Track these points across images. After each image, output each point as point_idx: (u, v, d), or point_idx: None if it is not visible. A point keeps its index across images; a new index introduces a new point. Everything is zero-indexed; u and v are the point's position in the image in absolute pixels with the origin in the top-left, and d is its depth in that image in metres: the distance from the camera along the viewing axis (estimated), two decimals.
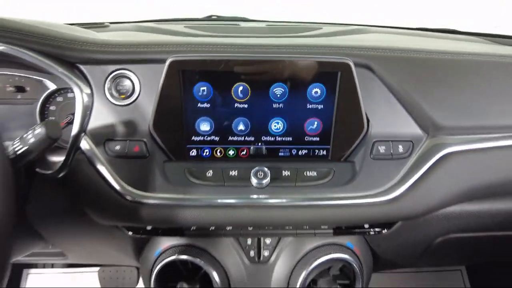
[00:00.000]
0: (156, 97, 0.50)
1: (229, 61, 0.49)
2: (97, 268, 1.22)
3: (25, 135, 0.45)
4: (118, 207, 0.49)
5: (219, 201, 0.49)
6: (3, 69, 0.65)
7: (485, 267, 1.27)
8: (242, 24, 0.95)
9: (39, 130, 0.44)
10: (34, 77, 0.65)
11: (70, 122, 0.66)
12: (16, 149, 0.46)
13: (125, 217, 0.50)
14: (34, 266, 1.27)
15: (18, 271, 1.26)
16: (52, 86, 0.65)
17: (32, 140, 0.44)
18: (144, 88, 0.52)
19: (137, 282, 1.19)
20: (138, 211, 0.49)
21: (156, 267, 0.56)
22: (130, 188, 0.49)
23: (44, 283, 1.25)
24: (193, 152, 0.53)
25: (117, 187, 0.49)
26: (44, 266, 1.27)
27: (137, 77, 0.52)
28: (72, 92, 0.65)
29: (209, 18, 1.08)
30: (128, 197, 0.49)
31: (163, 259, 0.56)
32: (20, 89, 0.66)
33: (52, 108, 0.66)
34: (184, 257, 0.56)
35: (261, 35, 0.71)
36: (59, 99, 0.66)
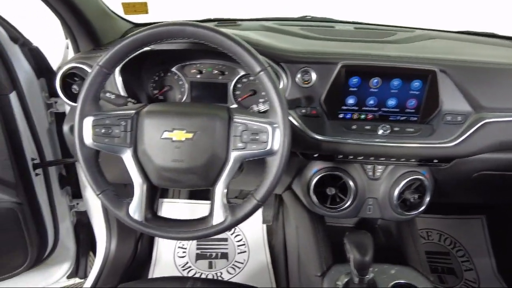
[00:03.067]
0: (328, 83, 0.91)
1: (372, 66, 0.89)
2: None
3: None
4: (304, 141, 0.92)
5: (359, 141, 0.92)
6: (213, 60, 1.07)
7: (501, 218, 1.67)
8: (336, 26, 1.32)
9: None
10: (232, 66, 1.07)
11: (251, 95, 1.08)
12: (262, 109, 0.88)
13: (307, 146, 0.93)
14: (166, 196, 1.74)
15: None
16: (241, 72, 1.07)
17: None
18: (318, 77, 0.92)
19: None
20: (314, 143, 0.92)
21: (314, 179, 1.00)
22: (310, 132, 0.92)
23: (173, 209, 1.73)
24: (341, 115, 0.95)
25: (304, 130, 0.91)
26: (173, 196, 1.75)
27: (315, 72, 0.92)
28: (253, 76, 1.07)
29: (304, 18, 1.45)
30: (310, 136, 0.91)
31: (320, 174, 1.00)
32: (221, 73, 1.08)
33: (239, 85, 1.08)
34: (334, 172, 0.99)
35: (357, 38, 1.10)
36: (244, 80, 1.07)
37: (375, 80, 0.91)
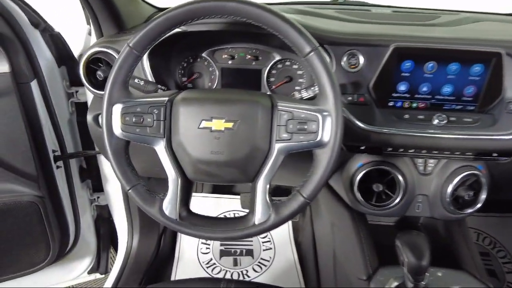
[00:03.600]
0: (378, 67, 0.82)
1: (428, 49, 0.80)
2: (236, 196, 1.61)
3: (313, 88, 0.79)
4: (351, 131, 0.83)
5: (412, 132, 0.83)
6: (246, 44, 0.99)
7: None
8: (373, 10, 1.22)
9: None
10: (266, 50, 0.98)
11: (287, 82, 0.99)
12: (305, 96, 0.80)
13: (354, 138, 0.84)
14: None
15: None
16: (277, 57, 0.98)
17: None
18: (367, 61, 0.83)
19: None
20: (362, 134, 0.83)
21: (358, 174, 0.92)
22: (358, 122, 0.83)
23: (196, 203, 1.67)
24: (391, 103, 0.86)
25: (351, 120, 0.83)
26: (196, 190, 1.69)
27: (363, 55, 0.83)
28: (289, 61, 0.99)
29: (336, 2, 1.35)
30: (358, 126, 0.83)
31: (366, 169, 0.91)
32: (255, 58, 1.00)
33: (273, 72, 1.00)
34: (382, 166, 0.90)
35: (399, 21, 1.00)
36: (279, 66, 0.99)
37: (430, 65, 0.81)
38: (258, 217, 0.69)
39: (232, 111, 0.67)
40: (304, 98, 0.81)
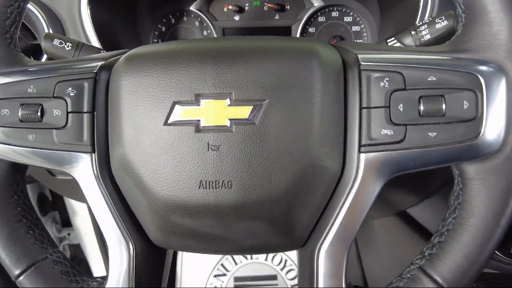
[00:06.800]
0: None
1: None
2: None
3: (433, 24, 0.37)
4: None
5: None
6: None
7: None
8: None
9: (448, 23, 0.36)
10: None
11: None
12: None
13: None
14: None
15: None
16: (317, 3, 0.59)
17: (433, 36, 0.37)
18: None
19: None
20: None
21: None
22: None
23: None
24: None
25: None
26: None
27: None
28: (337, 10, 0.59)
29: None
30: None
31: None
32: (279, 8, 0.61)
33: (310, 30, 0.61)
34: None
35: None
36: (321, 19, 0.60)
37: None
38: None
39: (248, 77, 0.27)
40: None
